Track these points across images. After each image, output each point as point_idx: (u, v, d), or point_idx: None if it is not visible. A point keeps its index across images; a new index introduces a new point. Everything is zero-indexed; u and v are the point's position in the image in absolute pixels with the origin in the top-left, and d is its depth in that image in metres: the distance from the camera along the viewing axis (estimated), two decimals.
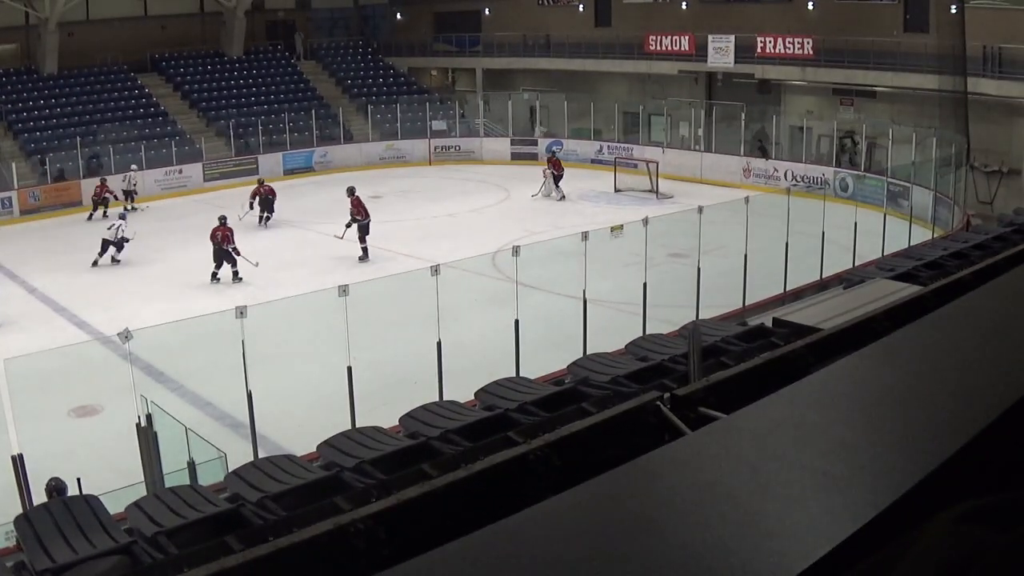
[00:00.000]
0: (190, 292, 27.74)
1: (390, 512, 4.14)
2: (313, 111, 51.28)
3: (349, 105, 53.92)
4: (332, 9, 61.52)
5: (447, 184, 43.49)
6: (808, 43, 41.87)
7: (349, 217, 31.36)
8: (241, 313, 14.98)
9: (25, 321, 26.42)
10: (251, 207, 37.18)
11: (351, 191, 32.09)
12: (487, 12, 56.81)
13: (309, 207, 40.00)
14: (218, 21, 56.34)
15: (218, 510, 9.68)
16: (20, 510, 10.89)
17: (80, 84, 51.50)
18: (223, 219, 29.50)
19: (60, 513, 9.82)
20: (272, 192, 38.21)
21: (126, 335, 14.65)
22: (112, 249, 31.47)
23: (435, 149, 50.20)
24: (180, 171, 46.32)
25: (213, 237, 28.96)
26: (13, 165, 44.41)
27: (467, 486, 4.04)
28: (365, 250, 30.95)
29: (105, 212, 39.00)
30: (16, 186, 43.59)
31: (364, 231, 31.17)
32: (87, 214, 40.32)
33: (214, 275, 28.85)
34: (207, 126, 50.89)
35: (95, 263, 31.46)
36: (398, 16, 61.38)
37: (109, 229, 32.03)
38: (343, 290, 15.99)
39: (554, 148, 45.23)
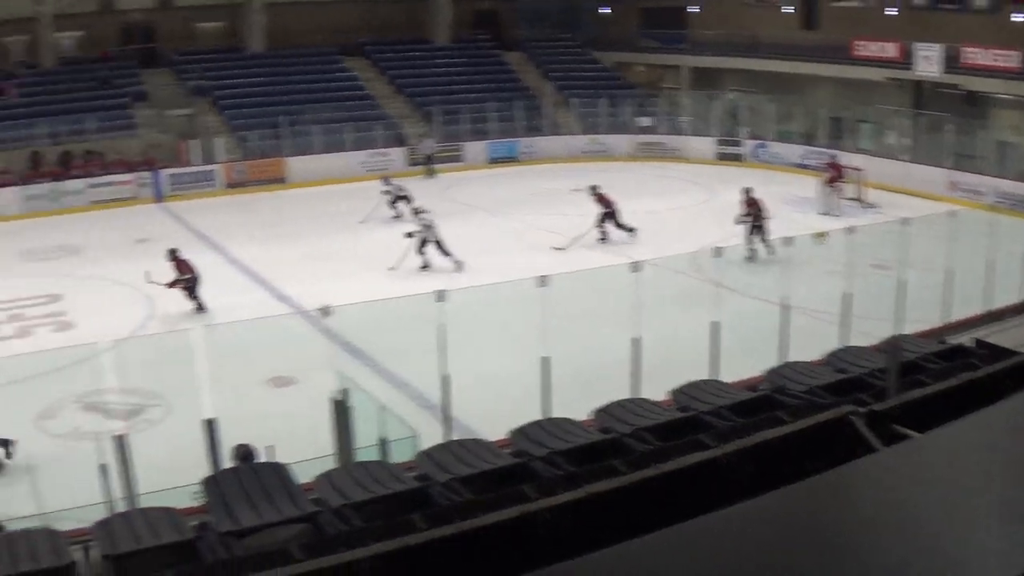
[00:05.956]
0: (389, 273, 28.25)
1: (576, 504, 4.23)
2: (519, 102, 51.61)
3: (554, 97, 54.00)
4: (538, 0, 61.65)
5: (649, 181, 43.34)
6: (1016, 56, 40.60)
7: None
8: (441, 297, 15.19)
9: (226, 292, 27.24)
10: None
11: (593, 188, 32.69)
12: (694, 9, 56.09)
13: (512, 197, 40.35)
14: (425, 8, 57.05)
15: (406, 488, 9.85)
16: (209, 473, 11.23)
17: (286, 64, 52.66)
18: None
19: (248, 478, 10.07)
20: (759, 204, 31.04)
21: (327, 310, 14.97)
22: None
23: (638, 145, 50.09)
24: (385, 154, 47.14)
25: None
26: (218, 140, 45.89)
27: (655, 485, 4.10)
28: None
29: None
30: (221, 160, 45.00)
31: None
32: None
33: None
34: (412, 111, 51.60)
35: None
36: (605, 10, 61.18)
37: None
38: (542, 281, 16.06)
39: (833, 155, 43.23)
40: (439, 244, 29.01)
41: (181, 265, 26.11)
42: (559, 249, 30.26)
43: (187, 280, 25.99)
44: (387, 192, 36.44)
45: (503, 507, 5.13)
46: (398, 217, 34.64)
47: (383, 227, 34.28)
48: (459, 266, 28.76)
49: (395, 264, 28.71)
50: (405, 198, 35.46)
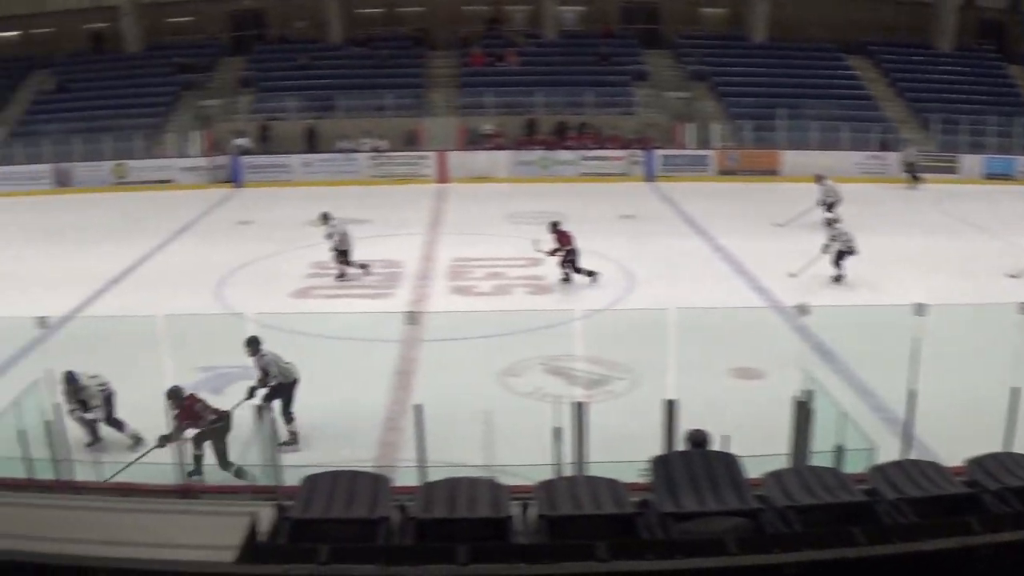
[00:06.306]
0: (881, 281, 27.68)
1: (1020, 544, 4.15)
2: (1020, 118, 48.81)
3: None
4: None
5: None
6: None
7: None
8: (920, 311, 14.84)
9: (706, 278, 27.63)
10: None
11: None
12: None
13: (999, 213, 38.60)
14: (930, 13, 55.58)
15: (853, 500, 9.74)
16: (660, 452, 11.41)
17: (787, 56, 52.97)
18: None
19: (697, 464, 10.15)
20: None
21: (804, 308, 14.92)
22: None
23: None
24: (881, 157, 46.33)
25: None
26: (714, 126, 46.55)
27: None
28: None
29: None
30: (715, 146, 45.57)
31: None
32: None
33: None
34: (910, 117, 50.36)
35: None
36: None
37: None
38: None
39: None
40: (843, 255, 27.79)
41: (561, 237, 27.14)
42: (1014, 277, 28.49)
43: (566, 252, 27.02)
44: (822, 196, 34.80)
45: (946, 535, 5.07)
46: (834, 221, 33.20)
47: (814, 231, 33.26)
48: (840, 279, 27.54)
49: (797, 271, 27.68)
50: (835, 203, 34.07)
